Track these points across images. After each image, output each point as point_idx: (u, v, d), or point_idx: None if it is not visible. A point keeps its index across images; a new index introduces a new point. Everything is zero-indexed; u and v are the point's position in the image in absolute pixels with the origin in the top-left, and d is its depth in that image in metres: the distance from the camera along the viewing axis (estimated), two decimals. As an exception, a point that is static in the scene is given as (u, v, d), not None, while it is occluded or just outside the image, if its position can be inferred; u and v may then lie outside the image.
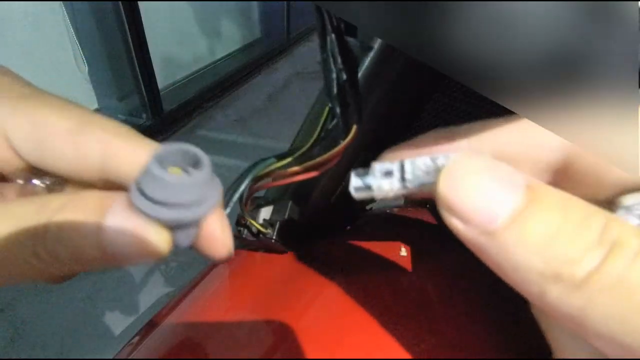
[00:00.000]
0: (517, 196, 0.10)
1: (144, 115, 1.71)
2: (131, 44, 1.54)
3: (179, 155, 0.13)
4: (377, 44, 0.29)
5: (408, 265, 0.29)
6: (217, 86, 2.07)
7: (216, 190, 0.14)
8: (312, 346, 0.24)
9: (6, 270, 0.14)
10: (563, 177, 0.13)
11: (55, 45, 1.45)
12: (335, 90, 0.28)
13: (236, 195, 0.28)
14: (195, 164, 0.13)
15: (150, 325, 0.27)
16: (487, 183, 0.10)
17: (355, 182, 0.14)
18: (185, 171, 0.13)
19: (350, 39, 0.28)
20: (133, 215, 0.13)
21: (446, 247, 0.31)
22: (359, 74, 0.30)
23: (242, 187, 0.28)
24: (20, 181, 0.16)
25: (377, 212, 0.43)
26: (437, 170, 0.12)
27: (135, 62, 1.59)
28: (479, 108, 0.35)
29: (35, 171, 0.16)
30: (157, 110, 1.73)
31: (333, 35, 0.26)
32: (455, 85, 0.34)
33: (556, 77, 0.09)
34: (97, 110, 1.67)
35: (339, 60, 0.26)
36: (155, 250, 0.13)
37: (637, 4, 0.08)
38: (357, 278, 0.28)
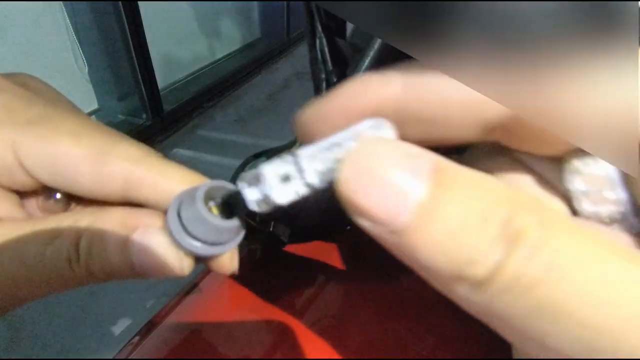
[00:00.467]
0: (421, 187, 0.09)
1: (144, 115, 1.71)
2: (131, 44, 1.54)
3: (219, 191, 0.14)
4: (377, 43, 0.29)
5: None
6: (217, 86, 2.07)
7: (242, 230, 0.15)
8: (312, 346, 0.24)
9: (49, 288, 0.15)
10: (511, 132, 0.12)
11: (55, 45, 1.45)
12: (324, 89, 0.28)
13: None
14: (231, 202, 0.14)
15: (150, 325, 0.27)
16: (388, 175, 0.09)
17: (250, 194, 0.12)
18: (215, 204, 0.14)
19: (339, 40, 0.28)
20: (159, 238, 0.14)
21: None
22: (362, 70, 0.30)
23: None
24: (42, 196, 0.16)
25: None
26: (338, 162, 0.11)
27: (135, 62, 1.59)
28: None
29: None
30: (157, 110, 1.72)
31: (323, 35, 0.25)
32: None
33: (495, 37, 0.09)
34: (97, 111, 1.67)
35: (329, 60, 0.26)
36: (178, 272, 0.14)
37: (637, 4, 0.08)
38: (357, 278, 0.28)
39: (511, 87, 0.09)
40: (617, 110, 0.09)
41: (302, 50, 2.71)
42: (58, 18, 1.44)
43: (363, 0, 0.10)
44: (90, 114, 1.65)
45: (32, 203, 0.17)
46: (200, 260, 0.15)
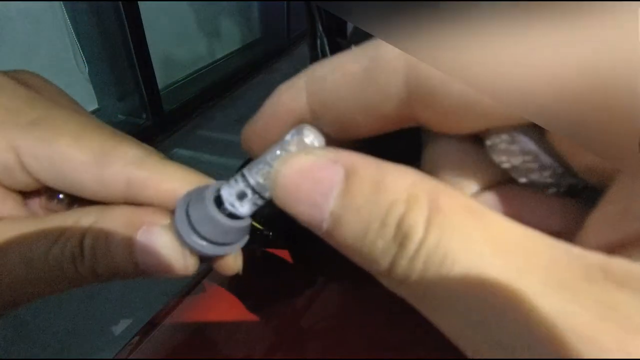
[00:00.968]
0: (331, 198, 0.10)
1: (144, 115, 1.70)
2: (131, 44, 1.54)
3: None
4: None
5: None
6: (217, 86, 2.06)
7: (247, 231, 0.15)
8: (312, 346, 0.24)
9: (53, 287, 0.15)
10: (423, 116, 0.12)
11: (55, 45, 1.45)
12: None
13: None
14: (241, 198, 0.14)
15: (150, 325, 0.27)
16: (303, 189, 0.11)
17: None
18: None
19: (340, 40, 0.28)
20: (164, 236, 0.14)
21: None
22: None
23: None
24: (45, 196, 0.16)
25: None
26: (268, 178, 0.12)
27: (135, 62, 1.59)
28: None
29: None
30: (157, 110, 1.72)
31: (324, 35, 0.26)
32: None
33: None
34: (97, 111, 1.67)
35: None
36: (183, 271, 0.14)
37: (637, 3, 0.08)
38: (357, 278, 0.28)
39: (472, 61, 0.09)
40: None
41: (302, 50, 2.71)
42: (58, 18, 1.44)
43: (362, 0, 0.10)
44: (90, 114, 1.65)
45: (36, 202, 0.17)
46: (205, 260, 0.15)
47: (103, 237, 0.14)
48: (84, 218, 0.14)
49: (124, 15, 1.48)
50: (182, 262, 0.14)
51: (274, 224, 0.31)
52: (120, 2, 1.45)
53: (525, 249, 0.09)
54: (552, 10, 0.08)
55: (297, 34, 2.64)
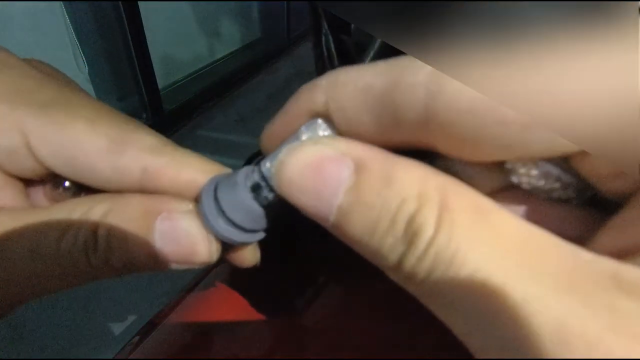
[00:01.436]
0: (340, 192, 0.10)
1: (144, 115, 1.70)
2: (131, 44, 1.54)
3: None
4: (377, 43, 0.29)
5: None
6: (217, 86, 2.06)
7: (269, 220, 0.14)
8: (312, 346, 0.24)
9: (64, 281, 0.14)
10: (431, 137, 0.12)
11: (55, 45, 1.45)
12: None
13: None
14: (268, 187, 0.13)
15: (150, 325, 0.27)
16: (310, 182, 0.10)
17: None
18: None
19: (345, 37, 0.28)
20: (187, 222, 0.13)
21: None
22: None
23: None
24: (51, 184, 0.15)
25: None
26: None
27: (135, 62, 1.59)
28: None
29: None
30: (157, 110, 1.72)
31: (329, 33, 0.25)
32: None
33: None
34: (97, 110, 1.67)
35: (335, 57, 0.26)
36: (205, 260, 0.14)
37: (637, 3, 0.08)
38: (358, 278, 0.28)
39: (508, 83, 0.09)
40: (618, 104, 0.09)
41: (302, 50, 2.71)
42: (58, 18, 1.44)
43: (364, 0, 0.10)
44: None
45: (38, 192, 0.16)
46: (226, 249, 0.15)
47: (119, 226, 0.13)
48: (97, 206, 0.13)
49: (124, 15, 1.48)
50: (207, 248, 0.13)
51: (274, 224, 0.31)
52: (120, 2, 1.45)
53: (535, 250, 0.09)
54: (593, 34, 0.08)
55: (297, 34, 2.63)
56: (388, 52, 0.30)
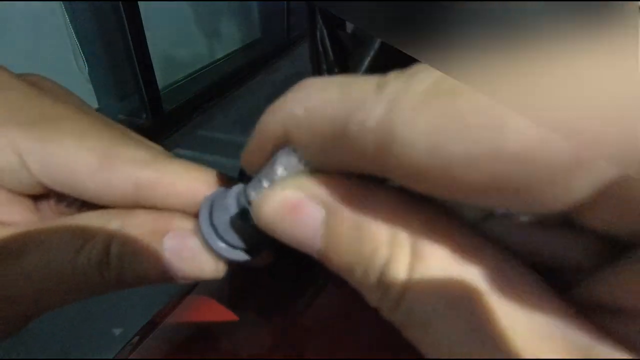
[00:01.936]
0: (316, 236, 0.10)
1: (144, 115, 1.70)
2: (131, 44, 1.54)
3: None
4: (377, 40, 0.29)
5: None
6: (217, 86, 2.06)
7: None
8: (312, 346, 0.24)
9: (76, 295, 0.14)
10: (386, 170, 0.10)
11: (55, 45, 1.45)
12: None
13: None
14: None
15: (150, 325, 0.27)
16: (287, 228, 0.11)
17: (254, 231, 0.13)
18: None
19: (340, 32, 0.28)
20: (192, 242, 0.14)
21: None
22: (362, 69, 0.30)
23: None
24: (55, 198, 0.16)
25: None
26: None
27: (135, 62, 1.59)
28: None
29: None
30: (157, 110, 1.72)
31: (323, 27, 0.25)
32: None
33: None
34: (97, 111, 1.67)
35: (330, 51, 0.26)
36: (211, 276, 0.14)
37: (637, 3, 0.08)
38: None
39: (511, 84, 0.09)
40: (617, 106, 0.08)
41: (302, 50, 2.71)
42: (58, 18, 1.44)
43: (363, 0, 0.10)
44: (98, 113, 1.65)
45: (46, 206, 0.16)
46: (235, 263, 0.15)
47: (130, 244, 0.13)
48: (108, 222, 0.14)
49: (124, 15, 1.48)
50: (213, 265, 0.14)
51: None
52: (120, 2, 1.45)
53: (505, 316, 0.09)
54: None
55: (297, 34, 2.64)
56: (387, 49, 0.30)
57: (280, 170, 0.11)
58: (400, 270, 0.09)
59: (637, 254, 0.08)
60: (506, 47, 0.08)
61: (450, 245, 0.09)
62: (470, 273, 0.09)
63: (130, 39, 1.53)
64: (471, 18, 0.09)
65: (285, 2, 2.52)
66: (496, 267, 0.09)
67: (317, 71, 0.26)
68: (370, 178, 0.10)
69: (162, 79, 1.77)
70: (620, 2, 0.07)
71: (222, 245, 0.13)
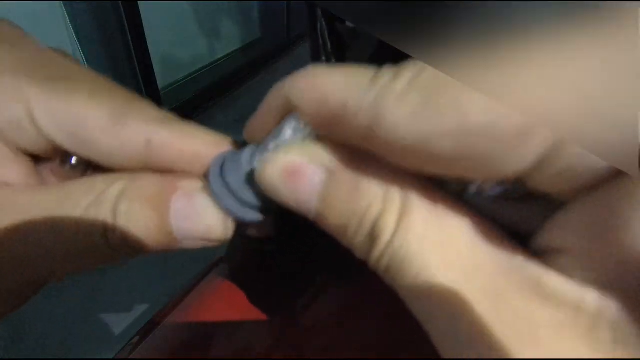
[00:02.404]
0: (314, 195, 0.12)
1: (144, 115, 1.70)
2: (131, 44, 1.54)
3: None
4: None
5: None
6: (217, 86, 2.06)
7: None
8: (312, 346, 0.24)
9: (82, 262, 0.14)
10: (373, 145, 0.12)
11: (55, 45, 1.44)
12: None
13: None
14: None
15: (150, 325, 0.28)
16: (287, 190, 0.12)
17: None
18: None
19: (339, 25, 0.28)
20: (202, 200, 0.13)
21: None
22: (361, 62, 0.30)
23: None
24: (58, 160, 0.15)
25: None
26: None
27: (135, 62, 1.59)
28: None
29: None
30: (157, 110, 1.72)
31: (324, 22, 0.25)
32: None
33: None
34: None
35: (329, 44, 0.26)
36: (219, 237, 0.14)
37: (637, 3, 0.08)
38: (358, 277, 0.28)
39: (501, 79, 0.09)
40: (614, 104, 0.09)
41: (302, 50, 2.71)
42: (58, 18, 1.44)
43: (362, 0, 0.10)
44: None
45: (47, 170, 0.15)
46: (241, 227, 0.15)
47: (137, 203, 0.13)
48: (113, 185, 0.13)
49: (124, 15, 1.48)
50: (222, 224, 0.13)
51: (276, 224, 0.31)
52: (120, 2, 1.45)
53: (474, 256, 0.10)
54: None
55: (297, 34, 2.63)
56: (384, 45, 0.30)
57: (289, 133, 0.12)
58: (390, 221, 0.11)
59: (569, 206, 0.10)
60: (489, 45, 0.08)
61: (435, 203, 0.11)
62: (450, 225, 0.11)
63: (130, 39, 1.53)
64: (465, 14, 0.09)
65: (285, 2, 2.52)
66: (471, 221, 0.11)
67: (316, 60, 0.26)
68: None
69: (162, 79, 1.77)
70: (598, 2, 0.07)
71: (232, 202, 0.13)
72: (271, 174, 0.12)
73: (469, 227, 0.11)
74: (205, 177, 0.14)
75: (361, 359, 0.23)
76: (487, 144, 0.09)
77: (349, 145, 0.12)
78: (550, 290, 0.09)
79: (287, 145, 0.12)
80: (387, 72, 0.11)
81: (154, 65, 1.67)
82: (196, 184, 0.14)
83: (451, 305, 0.10)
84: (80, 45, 1.52)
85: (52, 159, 0.15)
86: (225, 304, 0.28)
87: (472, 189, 0.12)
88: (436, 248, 0.10)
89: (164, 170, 0.14)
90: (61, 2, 1.43)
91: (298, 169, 0.12)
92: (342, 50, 0.25)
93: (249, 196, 0.13)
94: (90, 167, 0.15)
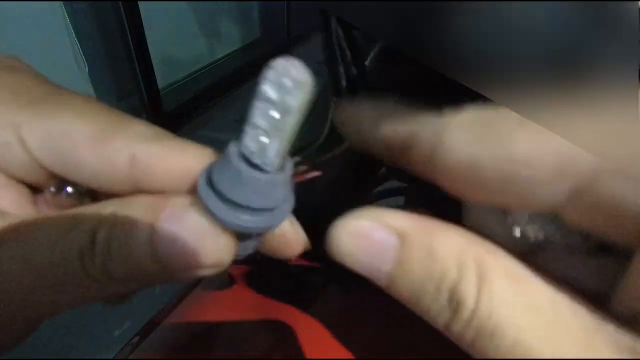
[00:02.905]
0: (388, 263, 0.11)
1: (144, 115, 1.70)
2: (131, 44, 1.54)
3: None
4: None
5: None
6: (217, 86, 2.06)
7: (290, 189, 0.12)
8: (312, 346, 0.24)
9: (60, 295, 0.12)
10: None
11: (55, 45, 1.45)
12: (344, 83, 0.27)
13: None
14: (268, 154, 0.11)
15: (150, 325, 0.27)
16: (360, 253, 0.12)
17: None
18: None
19: (354, 32, 0.28)
20: (191, 217, 0.12)
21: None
22: (369, 66, 0.30)
23: None
24: (52, 189, 0.14)
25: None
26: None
27: (135, 62, 1.59)
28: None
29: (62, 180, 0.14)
30: (157, 110, 1.72)
31: (339, 30, 0.25)
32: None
33: (555, 75, 0.09)
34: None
35: (348, 53, 0.26)
36: (216, 261, 0.12)
37: (637, 3, 0.08)
38: (358, 277, 0.28)
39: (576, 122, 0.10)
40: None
41: (302, 50, 2.71)
42: (58, 18, 1.44)
43: (362, 0, 0.10)
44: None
45: (43, 202, 0.15)
46: (250, 245, 0.13)
47: (121, 226, 0.12)
48: (101, 209, 0.12)
49: (124, 15, 1.48)
50: (216, 247, 0.12)
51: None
52: (120, 2, 1.45)
53: (565, 321, 0.10)
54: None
55: (297, 34, 2.63)
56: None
57: (272, 93, 0.11)
58: (470, 287, 0.10)
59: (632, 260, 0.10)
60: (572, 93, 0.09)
61: (507, 269, 0.11)
62: (531, 288, 0.11)
63: (130, 39, 1.53)
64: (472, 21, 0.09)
65: (285, 2, 2.52)
66: (549, 281, 0.11)
67: (334, 74, 0.26)
68: (435, 214, 0.12)
69: (162, 79, 1.77)
70: None
71: (225, 208, 0.11)
72: (342, 238, 0.12)
73: (549, 289, 0.11)
74: (194, 191, 0.12)
75: (361, 359, 0.23)
76: (527, 172, 0.10)
77: (416, 210, 0.12)
78: None
79: (358, 213, 0.12)
80: (451, 110, 0.12)
81: (154, 65, 1.67)
82: (185, 200, 0.12)
83: None
84: (80, 45, 1.52)
85: (46, 188, 0.15)
86: (225, 304, 0.28)
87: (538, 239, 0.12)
88: (526, 315, 0.10)
89: (154, 192, 0.13)
90: (61, 2, 1.43)
91: (370, 232, 0.12)
92: (359, 57, 0.25)
93: (240, 193, 0.11)
94: (86, 195, 0.15)
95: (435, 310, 0.11)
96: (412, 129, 0.12)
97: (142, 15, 1.55)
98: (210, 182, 0.11)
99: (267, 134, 0.11)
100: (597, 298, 0.11)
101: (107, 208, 0.12)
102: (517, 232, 0.12)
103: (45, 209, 0.15)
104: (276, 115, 0.11)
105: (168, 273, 0.12)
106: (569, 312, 0.10)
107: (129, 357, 0.26)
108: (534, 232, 0.12)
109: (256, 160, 0.11)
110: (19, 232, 0.12)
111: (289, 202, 0.13)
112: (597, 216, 0.10)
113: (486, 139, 0.11)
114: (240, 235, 0.12)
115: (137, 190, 0.13)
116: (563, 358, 0.09)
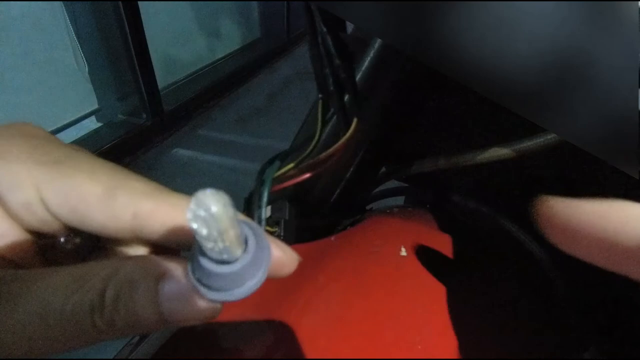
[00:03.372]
0: None
1: (144, 115, 1.70)
2: (131, 44, 1.54)
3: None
4: (377, 41, 0.29)
5: (408, 265, 0.29)
6: (217, 86, 2.06)
7: (267, 250, 0.13)
8: (311, 346, 0.24)
9: (65, 345, 0.14)
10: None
11: (55, 45, 1.45)
12: (331, 85, 0.27)
13: (263, 211, 0.28)
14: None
15: (151, 325, 0.27)
16: None
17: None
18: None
19: (343, 34, 0.28)
20: (185, 286, 0.14)
21: (445, 247, 0.31)
22: (362, 68, 0.30)
23: (264, 198, 0.28)
24: (62, 239, 0.17)
25: (377, 211, 0.43)
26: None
27: (135, 62, 1.59)
28: (481, 104, 0.35)
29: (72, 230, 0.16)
30: (157, 110, 1.72)
31: (325, 32, 0.25)
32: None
33: (556, 78, 0.09)
34: (97, 111, 1.67)
35: (335, 55, 0.26)
36: (212, 314, 0.14)
37: (637, 4, 0.08)
38: (357, 278, 0.28)
39: None
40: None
41: (302, 50, 2.71)
42: (58, 18, 1.44)
43: (363, 0, 0.10)
44: (90, 114, 1.65)
45: (53, 251, 0.17)
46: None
47: (127, 287, 0.14)
48: (106, 266, 0.14)
49: (124, 15, 1.48)
50: (209, 307, 0.14)
51: (282, 224, 0.31)
52: (120, 2, 1.45)
53: None
54: None
55: (297, 34, 2.64)
56: (390, 51, 0.30)
57: (214, 209, 0.11)
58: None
59: None
60: None
61: None
62: None
63: (130, 39, 1.53)
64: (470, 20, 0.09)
65: (285, 2, 2.52)
66: None
67: (320, 76, 0.25)
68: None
69: (162, 79, 1.77)
70: None
71: (205, 290, 0.13)
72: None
73: None
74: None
75: (362, 359, 0.23)
76: None
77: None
78: None
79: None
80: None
81: (154, 65, 1.67)
82: (182, 268, 0.14)
83: None
84: (80, 45, 1.52)
85: (57, 239, 0.17)
86: (226, 303, 0.28)
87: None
88: None
89: (153, 241, 0.16)
90: (61, 2, 1.43)
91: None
92: (348, 60, 0.25)
93: (220, 284, 0.13)
94: (94, 246, 0.17)
95: None
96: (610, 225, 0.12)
97: (142, 15, 1.55)
98: (192, 270, 0.13)
99: (214, 243, 0.12)
100: None
101: (110, 266, 0.14)
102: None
103: (51, 256, 0.17)
104: (213, 233, 0.11)
105: (167, 324, 0.14)
106: None
107: (129, 357, 0.26)
108: None
109: (219, 257, 0.12)
110: (33, 288, 0.13)
111: (267, 261, 0.13)
112: None
113: None
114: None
115: (138, 239, 0.16)
116: None
